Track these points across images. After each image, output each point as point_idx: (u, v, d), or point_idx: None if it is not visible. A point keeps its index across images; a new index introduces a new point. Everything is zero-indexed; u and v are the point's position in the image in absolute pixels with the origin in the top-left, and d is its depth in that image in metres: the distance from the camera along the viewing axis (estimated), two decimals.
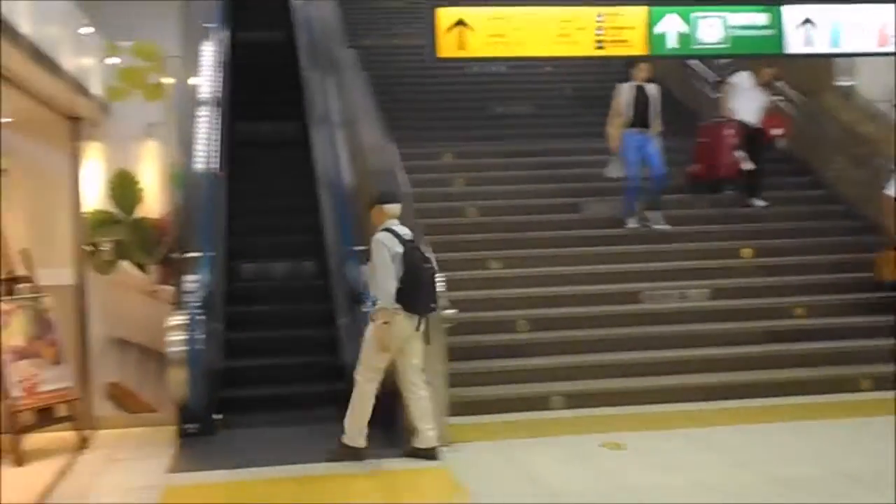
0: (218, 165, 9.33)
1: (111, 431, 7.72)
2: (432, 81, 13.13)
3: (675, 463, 6.04)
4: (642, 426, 6.92)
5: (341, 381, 7.30)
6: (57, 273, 7.92)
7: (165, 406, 7.62)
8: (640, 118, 9.81)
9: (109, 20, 8.11)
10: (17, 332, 7.08)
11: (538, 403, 7.48)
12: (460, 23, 7.55)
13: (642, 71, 9.82)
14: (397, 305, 6.08)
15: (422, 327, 6.20)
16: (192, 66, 9.40)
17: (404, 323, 6.13)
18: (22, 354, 7.04)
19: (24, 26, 5.75)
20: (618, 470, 5.95)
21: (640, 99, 9.82)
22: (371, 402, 6.32)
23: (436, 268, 6.32)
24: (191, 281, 7.49)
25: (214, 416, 7.31)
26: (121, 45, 8.30)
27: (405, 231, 6.32)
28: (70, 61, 6.97)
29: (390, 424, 6.72)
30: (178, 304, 7.27)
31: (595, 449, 6.43)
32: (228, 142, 9.89)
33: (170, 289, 7.80)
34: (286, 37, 12.91)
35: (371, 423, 6.34)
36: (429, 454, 6.26)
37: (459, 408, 6.97)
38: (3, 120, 7.42)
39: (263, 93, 11.46)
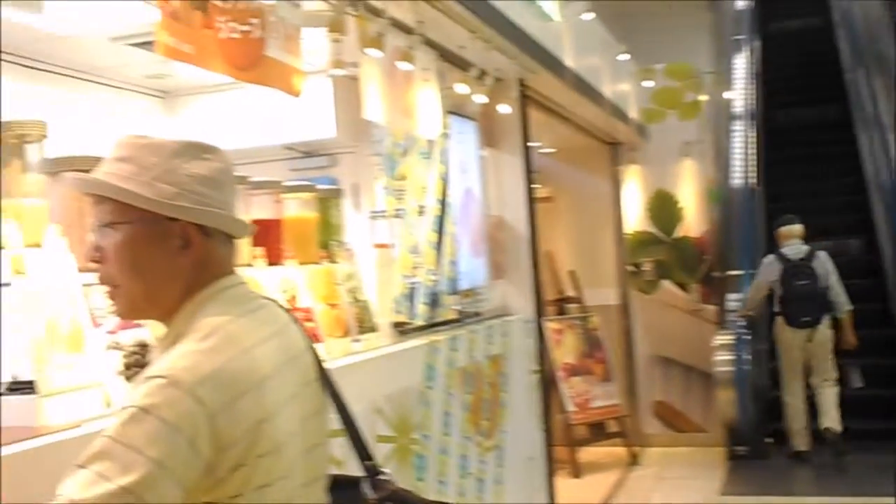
0: (755, 180, 9.03)
1: (658, 449, 7.78)
2: None
3: None
4: None
5: None
6: (602, 293, 8.21)
7: (712, 426, 7.50)
8: None
9: (642, 45, 8.26)
10: (568, 350, 7.46)
11: None
12: None
13: None
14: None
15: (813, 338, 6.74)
16: (725, 80, 9.24)
17: (787, 333, 6.82)
18: (574, 371, 7.39)
19: (568, 60, 6.05)
20: None
21: None
22: (796, 411, 6.77)
23: (820, 283, 6.77)
24: (734, 300, 7.32)
25: (766, 440, 7.01)
26: (654, 68, 8.41)
27: (796, 251, 6.94)
28: (608, 88, 7.21)
29: None
30: (721, 324, 7.13)
31: None
32: (764, 154, 9.53)
33: (712, 308, 7.69)
34: (821, 23, 12.14)
35: None
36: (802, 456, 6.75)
37: None
38: (548, 150, 7.91)
39: (799, 77, 10.90)
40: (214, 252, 1.56)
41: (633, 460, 7.43)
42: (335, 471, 1.75)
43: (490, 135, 5.39)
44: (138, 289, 1.54)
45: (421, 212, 4.17)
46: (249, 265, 2.86)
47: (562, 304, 8.07)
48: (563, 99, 6.38)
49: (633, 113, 8.20)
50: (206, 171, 1.54)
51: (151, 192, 1.50)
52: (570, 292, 8.13)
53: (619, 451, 7.44)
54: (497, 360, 4.58)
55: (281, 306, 1.71)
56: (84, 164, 2.06)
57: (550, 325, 7.32)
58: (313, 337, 2.99)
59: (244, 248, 2.82)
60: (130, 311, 1.61)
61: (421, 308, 4.08)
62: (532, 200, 5.49)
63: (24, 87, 4.28)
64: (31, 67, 4.33)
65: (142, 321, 2.15)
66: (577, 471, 7.02)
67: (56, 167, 2.13)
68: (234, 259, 1.62)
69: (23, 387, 1.92)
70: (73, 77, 4.59)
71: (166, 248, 1.52)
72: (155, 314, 1.60)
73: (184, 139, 1.57)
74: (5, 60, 4.18)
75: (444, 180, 4.38)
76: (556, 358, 7.27)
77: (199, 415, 1.36)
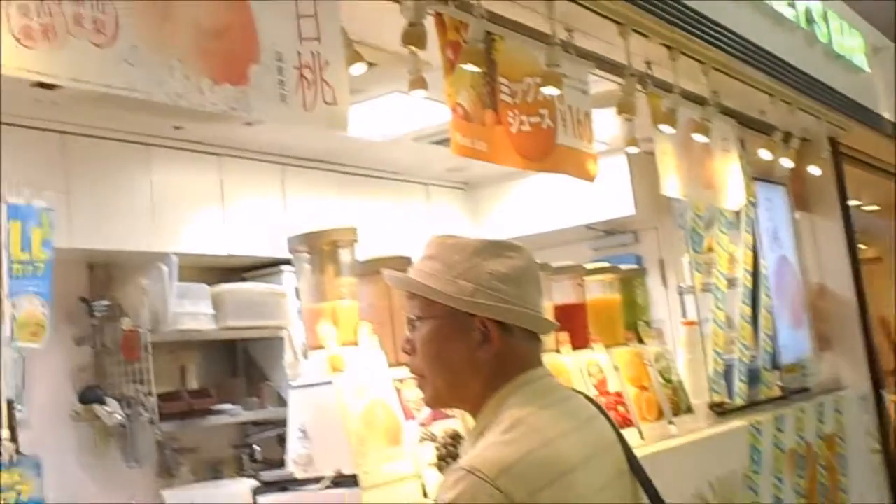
0: None
1: None
2: None
3: None
4: None
5: None
6: None
7: None
8: None
9: None
10: None
11: None
12: None
13: None
14: None
15: None
16: None
17: None
18: None
19: (885, 111, 5.66)
20: None
21: None
22: None
23: None
24: None
25: None
26: None
27: None
28: None
29: None
30: None
31: None
32: None
33: None
34: None
35: None
36: None
37: None
38: (871, 207, 7.38)
39: None
40: (515, 347, 1.58)
41: None
42: None
43: (802, 198, 5.11)
44: (441, 379, 1.59)
45: (731, 284, 3.99)
46: (556, 351, 2.86)
47: None
48: (883, 152, 5.94)
49: None
50: (506, 268, 1.58)
51: (452, 289, 1.55)
52: None
53: None
54: (831, 439, 4.23)
55: (588, 398, 1.71)
56: (389, 265, 2.18)
57: (892, 399, 6.68)
58: (625, 421, 2.93)
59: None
60: (436, 401, 1.68)
61: (739, 386, 3.88)
62: (857, 263, 5.11)
63: (337, 194, 4.64)
64: (343, 173, 4.70)
65: (451, 412, 2.21)
66: None
67: (365, 269, 2.26)
68: (538, 353, 1.64)
69: (346, 480, 2.02)
70: (381, 178, 4.92)
71: (467, 342, 1.56)
72: (459, 404, 1.66)
73: (487, 238, 1.63)
74: (320, 169, 4.55)
75: (754, 250, 4.17)
76: None
77: None
